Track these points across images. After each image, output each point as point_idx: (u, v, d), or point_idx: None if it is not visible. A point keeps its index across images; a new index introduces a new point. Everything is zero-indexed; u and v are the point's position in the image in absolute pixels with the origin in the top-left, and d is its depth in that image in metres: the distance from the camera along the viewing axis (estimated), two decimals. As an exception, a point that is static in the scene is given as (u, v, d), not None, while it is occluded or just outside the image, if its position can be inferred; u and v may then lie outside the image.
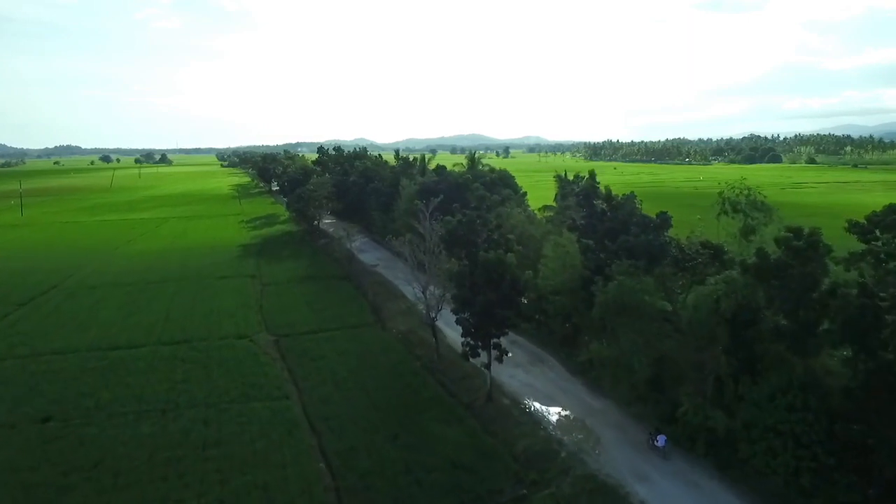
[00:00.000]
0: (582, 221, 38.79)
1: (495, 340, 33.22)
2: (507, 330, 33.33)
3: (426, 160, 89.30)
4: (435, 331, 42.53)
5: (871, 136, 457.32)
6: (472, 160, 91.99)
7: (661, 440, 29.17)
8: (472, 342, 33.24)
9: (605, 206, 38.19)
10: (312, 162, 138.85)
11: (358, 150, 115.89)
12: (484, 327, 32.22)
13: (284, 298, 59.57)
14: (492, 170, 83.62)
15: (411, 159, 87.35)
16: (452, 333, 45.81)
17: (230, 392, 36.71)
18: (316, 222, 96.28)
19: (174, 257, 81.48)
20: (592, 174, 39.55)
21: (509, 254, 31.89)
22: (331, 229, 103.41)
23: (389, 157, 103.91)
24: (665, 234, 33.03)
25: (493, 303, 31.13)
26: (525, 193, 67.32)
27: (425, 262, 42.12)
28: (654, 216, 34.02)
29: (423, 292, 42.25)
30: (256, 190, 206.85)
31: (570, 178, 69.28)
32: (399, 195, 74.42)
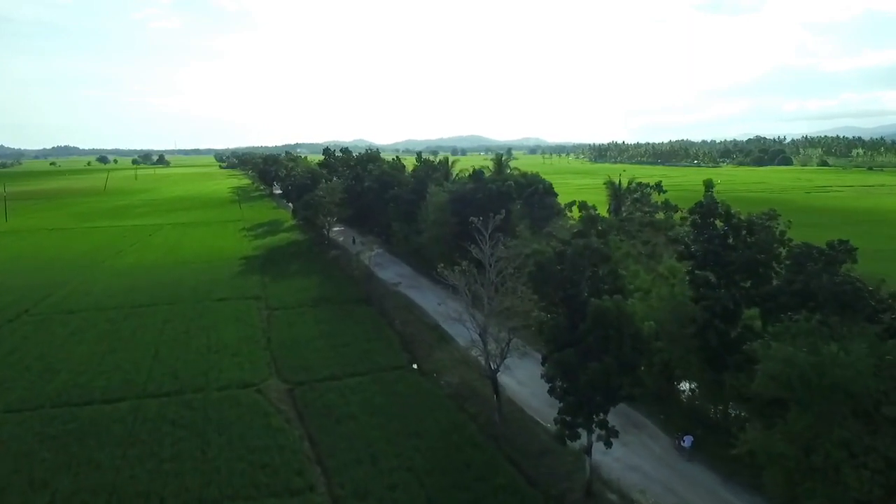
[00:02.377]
0: (695, 248, 29.45)
1: (603, 418, 23.85)
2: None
3: (450, 163, 79.83)
4: (496, 385, 33.15)
5: (882, 139, 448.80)
6: (500, 163, 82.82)
7: (686, 441, 28.54)
8: (570, 420, 23.86)
9: (727, 228, 28.78)
10: (318, 164, 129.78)
11: (370, 151, 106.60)
12: (591, 402, 22.88)
13: (296, 329, 50.12)
14: (524, 174, 74.28)
15: (436, 162, 77.91)
16: (515, 385, 36.60)
17: (234, 479, 27.23)
18: (326, 231, 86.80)
19: (167, 273, 72.01)
20: (709, 186, 30.15)
21: (630, 300, 22.58)
22: (340, 238, 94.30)
23: (408, 160, 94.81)
24: (841, 271, 23.70)
25: (610, 370, 21.81)
26: (573, 203, 57.92)
27: (484, 298, 32.78)
28: (827, 245, 24.57)
29: (479, 335, 32.95)
30: (257, 193, 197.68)
31: (625, 185, 60.26)
32: (425, 203, 65.05)
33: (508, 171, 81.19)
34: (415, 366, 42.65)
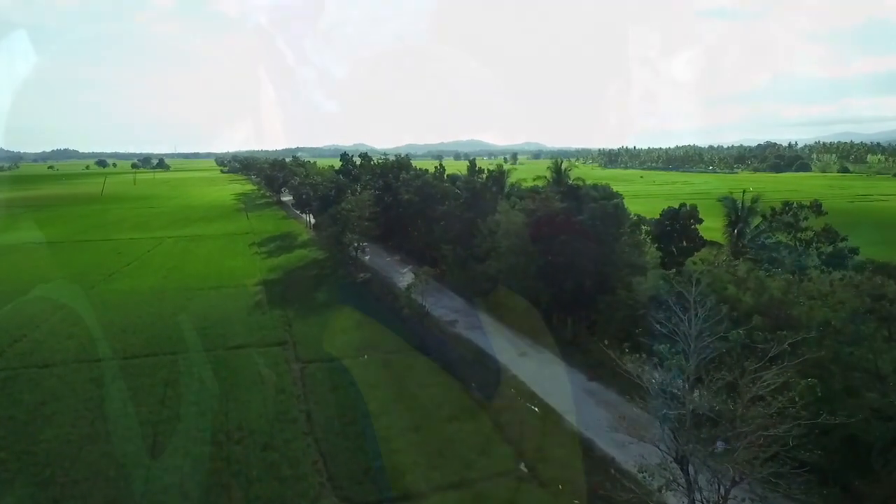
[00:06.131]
0: None
1: None
2: None
3: (506, 173, 67.06)
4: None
5: (895, 144, 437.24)
6: (560, 171, 69.81)
7: None
8: None
9: None
10: (335, 171, 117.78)
11: (398, 157, 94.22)
12: None
13: (342, 396, 37.41)
14: (594, 186, 61.30)
15: (496, 173, 65.10)
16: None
17: None
18: (355, 252, 74.15)
19: (169, 304, 59.37)
20: None
21: None
22: (366, 257, 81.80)
23: (460, 167, 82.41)
24: None
25: None
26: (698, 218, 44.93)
27: (685, 403, 20.19)
28: None
29: (677, 461, 20.37)
30: (263, 200, 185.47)
31: (748, 202, 47.79)
32: (485, 223, 52.46)
33: (570, 181, 68.51)
34: (523, 465, 30.06)
